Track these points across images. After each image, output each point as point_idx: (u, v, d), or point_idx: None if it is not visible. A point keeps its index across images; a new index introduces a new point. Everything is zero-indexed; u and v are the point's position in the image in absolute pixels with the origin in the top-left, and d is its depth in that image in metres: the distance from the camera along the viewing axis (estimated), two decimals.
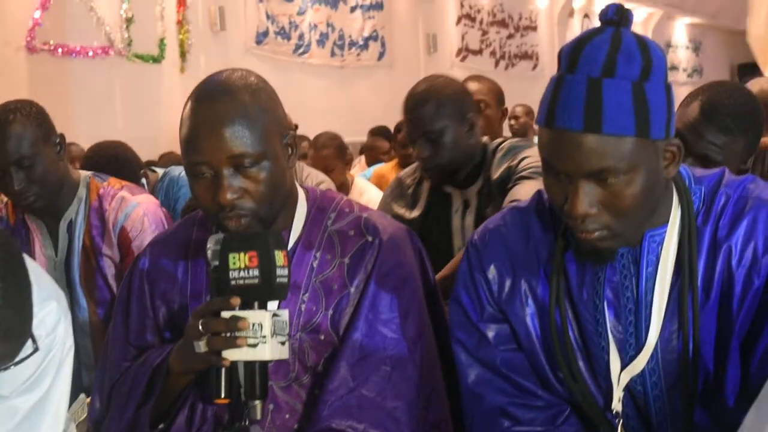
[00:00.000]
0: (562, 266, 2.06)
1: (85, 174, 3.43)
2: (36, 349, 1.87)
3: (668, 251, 1.99)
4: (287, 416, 2.22)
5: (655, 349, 1.99)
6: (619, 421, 2.05)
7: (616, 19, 1.89)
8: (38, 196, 3.23)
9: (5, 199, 3.44)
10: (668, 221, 2.00)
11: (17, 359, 1.82)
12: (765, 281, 1.93)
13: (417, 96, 3.40)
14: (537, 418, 2.11)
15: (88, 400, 2.64)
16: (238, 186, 2.11)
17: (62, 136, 3.31)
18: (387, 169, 6.95)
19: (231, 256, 2.04)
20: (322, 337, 2.22)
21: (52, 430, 2.14)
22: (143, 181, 4.81)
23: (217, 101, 2.13)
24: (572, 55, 1.88)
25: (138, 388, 2.24)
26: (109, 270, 3.33)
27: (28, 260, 2.08)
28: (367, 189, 5.99)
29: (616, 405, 2.03)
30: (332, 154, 6.14)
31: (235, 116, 2.11)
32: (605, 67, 1.84)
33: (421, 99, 3.38)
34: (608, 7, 1.91)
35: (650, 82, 1.86)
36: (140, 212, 3.33)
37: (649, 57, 1.87)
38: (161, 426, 2.26)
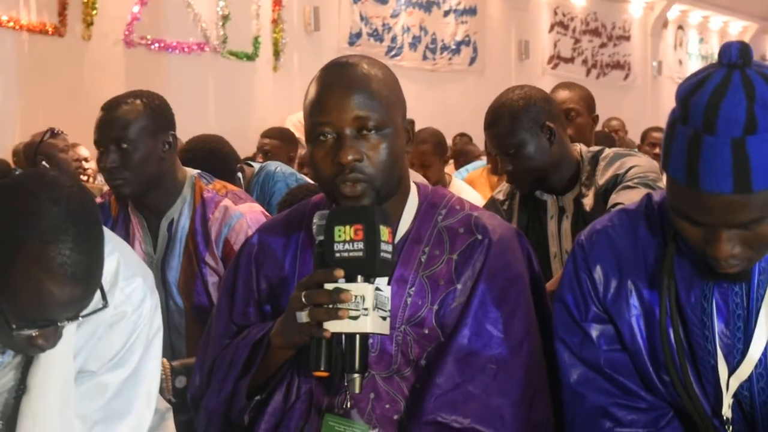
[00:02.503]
0: (672, 269, 2.04)
1: (191, 173, 3.43)
2: (105, 305, 1.90)
3: None
4: (387, 406, 2.23)
5: (764, 354, 1.97)
6: (728, 427, 2.02)
7: (741, 62, 1.83)
8: (126, 181, 3.24)
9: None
10: None
11: (86, 312, 1.84)
12: None
13: (492, 113, 3.41)
14: (639, 420, 2.09)
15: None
16: (359, 149, 2.16)
17: (174, 137, 3.32)
18: (477, 174, 6.94)
19: (336, 228, 2.05)
20: (426, 332, 2.23)
21: (145, 408, 2.17)
22: (239, 175, 4.84)
23: (346, 69, 2.22)
24: (708, 115, 1.80)
25: (238, 362, 2.27)
26: (211, 278, 3.30)
27: (115, 237, 2.14)
28: (464, 189, 5.95)
29: (726, 411, 2.01)
30: (430, 150, 6.08)
31: (362, 83, 2.18)
32: (747, 125, 1.78)
33: (496, 116, 3.38)
34: (730, 47, 1.85)
35: None
36: (244, 224, 3.30)
37: None
38: (258, 398, 2.29)
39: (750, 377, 1.99)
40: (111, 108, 3.24)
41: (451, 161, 9.17)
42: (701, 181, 1.80)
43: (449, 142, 9.55)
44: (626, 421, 2.10)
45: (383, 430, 2.20)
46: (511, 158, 3.36)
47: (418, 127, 6.60)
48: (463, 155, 8.80)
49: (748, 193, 1.78)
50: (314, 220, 2.12)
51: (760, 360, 1.98)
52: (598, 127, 7.32)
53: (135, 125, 3.22)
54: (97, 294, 1.90)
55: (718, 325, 2.00)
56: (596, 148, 3.53)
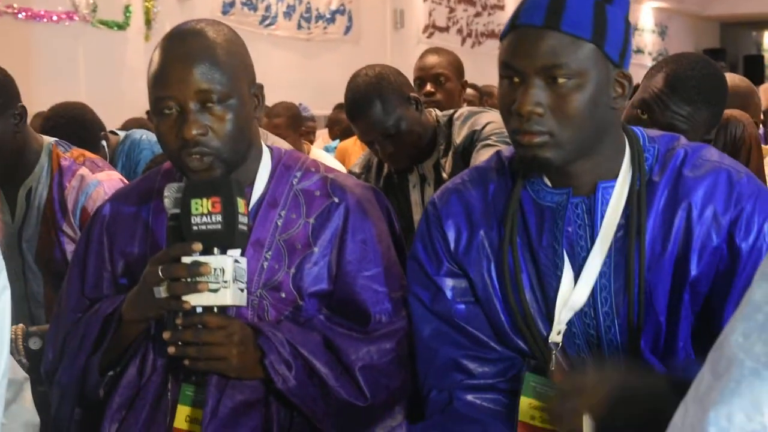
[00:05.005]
0: (517, 210, 2.10)
1: (48, 141, 3.35)
2: None
3: (618, 203, 2.04)
4: None
5: (608, 292, 2.04)
6: (554, 353, 2.07)
7: None
8: None
9: None
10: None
11: None
12: (725, 242, 1.99)
13: (359, 100, 3.38)
14: (489, 372, 2.14)
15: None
16: (203, 123, 2.12)
17: (23, 108, 3.20)
18: (350, 143, 6.96)
19: (193, 201, 2.04)
20: (283, 295, 2.23)
21: None
22: (103, 143, 4.76)
23: (188, 40, 2.16)
24: None
25: (90, 337, 2.23)
26: (68, 247, 3.23)
27: None
28: (323, 158, 6.00)
29: (555, 338, 2.07)
30: (284, 123, 6.16)
31: (204, 54, 2.13)
32: None
33: (365, 101, 3.36)
34: None
35: (612, 6, 1.96)
36: (101, 192, 3.22)
37: None
38: (111, 373, 2.26)
39: (597, 315, 2.04)
40: None
41: (326, 130, 9.18)
42: (519, 17, 1.97)
43: (328, 112, 9.53)
44: (477, 373, 2.14)
45: (240, 393, 2.19)
46: (392, 139, 3.35)
47: (291, 98, 6.57)
48: (337, 124, 8.79)
49: (556, 29, 1.92)
50: (165, 193, 2.10)
51: (605, 298, 2.04)
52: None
53: None
54: None
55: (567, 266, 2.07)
56: (450, 111, 3.56)
